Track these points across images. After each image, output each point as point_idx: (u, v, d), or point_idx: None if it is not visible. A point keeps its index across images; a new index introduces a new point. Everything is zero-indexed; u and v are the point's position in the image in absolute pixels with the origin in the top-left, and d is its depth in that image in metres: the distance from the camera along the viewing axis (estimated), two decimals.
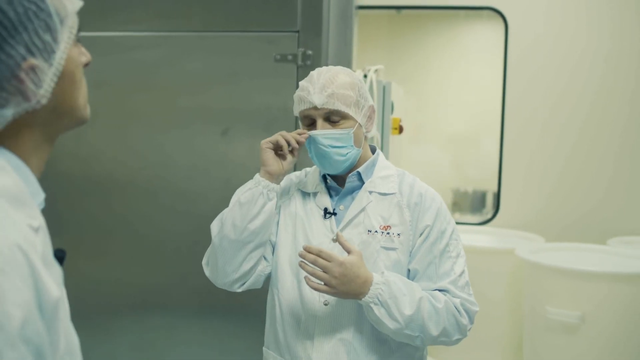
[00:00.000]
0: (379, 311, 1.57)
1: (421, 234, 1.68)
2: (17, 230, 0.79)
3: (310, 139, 1.68)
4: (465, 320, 1.65)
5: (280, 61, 2.43)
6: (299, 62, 2.41)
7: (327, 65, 2.45)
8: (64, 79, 0.89)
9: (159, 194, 2.60)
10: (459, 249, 1.71)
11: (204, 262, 1.78)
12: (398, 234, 1.68)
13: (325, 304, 1.68)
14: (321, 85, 1.66)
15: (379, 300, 1.56)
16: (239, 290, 1.74)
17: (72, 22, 0.89)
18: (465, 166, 4.92)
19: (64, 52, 0.88)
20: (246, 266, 1.70)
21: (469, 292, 1.69)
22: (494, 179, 4.22)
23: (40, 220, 0.86)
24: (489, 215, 4.27)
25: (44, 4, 0.85)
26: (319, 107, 1.65)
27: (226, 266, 1.70)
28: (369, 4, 4.07)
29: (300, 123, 1.74)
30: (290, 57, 2.42)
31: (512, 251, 3.52)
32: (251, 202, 1.66)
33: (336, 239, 1.60)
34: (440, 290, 1.66)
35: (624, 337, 3.09)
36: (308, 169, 1.86)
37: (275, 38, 2.44)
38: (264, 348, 1.80)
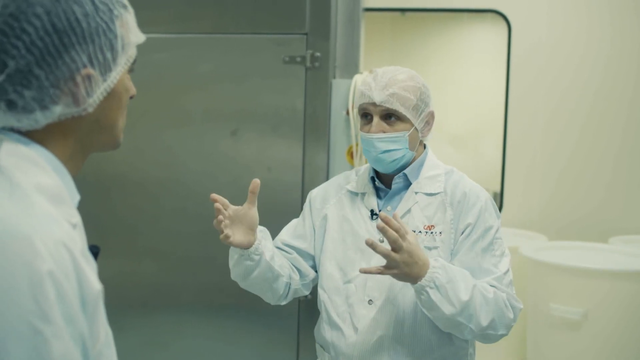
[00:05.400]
0: (435, 295, 1.53)
1: (462, 233, 1.66)
2: (59, 226, 0.84)
3: (364, 139, 1.69)
4: (511, 314, 1.62)
5: (289, 63, 2.45)
6: (307, 64, 2.43)
7: (334, 66, 2.49)
8: (112, 97, 0.96)
9: (168, 194, 2.60)
10: (504, 248, 1.69)
11: None
12: (440, 232, 1.67)
13: (370, 303, 1.69)
14: (383, 84, 1.66)
15: (435, 284, 1.52)
16: (285, 302, 1.83)
17: (132, 52, 0.98)
18: (468, 167, 4.92)
19: (118, 74, 0.95)
20: (277, 293, 1.77)
21: (512, 290, 1.65)
22: (495, 179, 4.21)
23: (77, 218, 0.91)
24: None
25: (114, 26, 0.93)
26: (377, 103, 1.66)
27: (263, 296, 1.80)
28: (374, 6, 4.10)
29: (356, 117, 1.74)
30: (298, 59, 2.44)
31: (516, 249, 3.50)
32: (241, 273, 1.71)
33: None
34: None
35: (625, 333, 3.12)
36: (359, 168, 1.86)
37: (284, 40, 2.45)
38: (316, 343, 1.84)
